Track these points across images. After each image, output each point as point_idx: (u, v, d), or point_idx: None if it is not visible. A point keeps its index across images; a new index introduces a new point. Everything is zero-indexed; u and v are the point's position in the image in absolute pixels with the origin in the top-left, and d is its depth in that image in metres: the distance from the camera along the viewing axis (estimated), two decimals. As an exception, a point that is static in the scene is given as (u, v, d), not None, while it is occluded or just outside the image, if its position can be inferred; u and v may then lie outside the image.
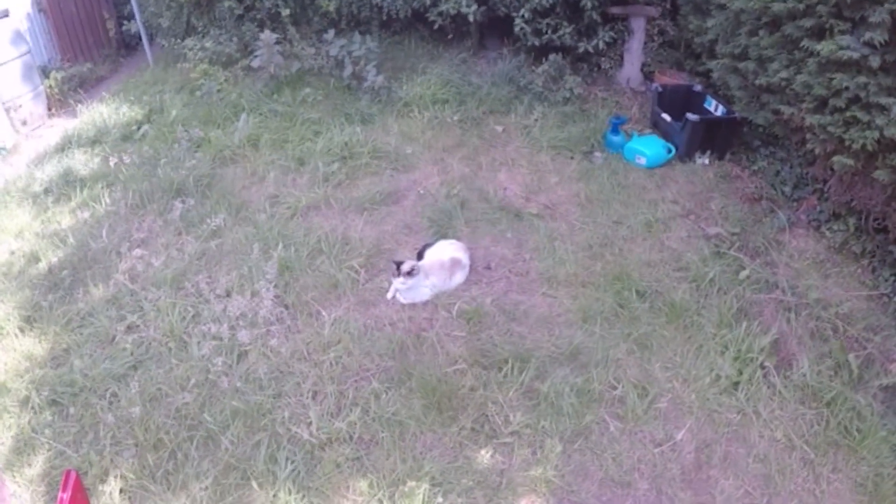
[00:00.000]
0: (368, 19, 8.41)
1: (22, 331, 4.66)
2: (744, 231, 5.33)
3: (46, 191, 6.26)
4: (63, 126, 7.73)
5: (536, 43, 7.40)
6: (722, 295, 4.71)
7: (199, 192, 5.96)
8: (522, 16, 7.26)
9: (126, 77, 9.12)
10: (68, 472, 3.08)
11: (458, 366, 4.21)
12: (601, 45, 7.36)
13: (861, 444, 3.75)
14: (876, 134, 4.29)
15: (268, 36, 7.33)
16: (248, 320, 4.56)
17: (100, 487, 3.59)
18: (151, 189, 5.96)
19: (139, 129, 7.22)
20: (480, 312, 4.60)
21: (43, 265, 5.24)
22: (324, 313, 4.64)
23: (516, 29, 7.39)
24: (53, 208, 6.00)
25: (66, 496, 3.00)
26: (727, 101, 6.34)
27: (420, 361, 4.25)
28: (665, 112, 6.66)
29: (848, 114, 4.50)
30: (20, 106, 7.65)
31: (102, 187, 6.13)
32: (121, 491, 3.59)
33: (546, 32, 7.31)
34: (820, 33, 4.65)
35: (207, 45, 7.98)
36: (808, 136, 5.01)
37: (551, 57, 7.30)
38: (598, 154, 6.54)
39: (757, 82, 5.46)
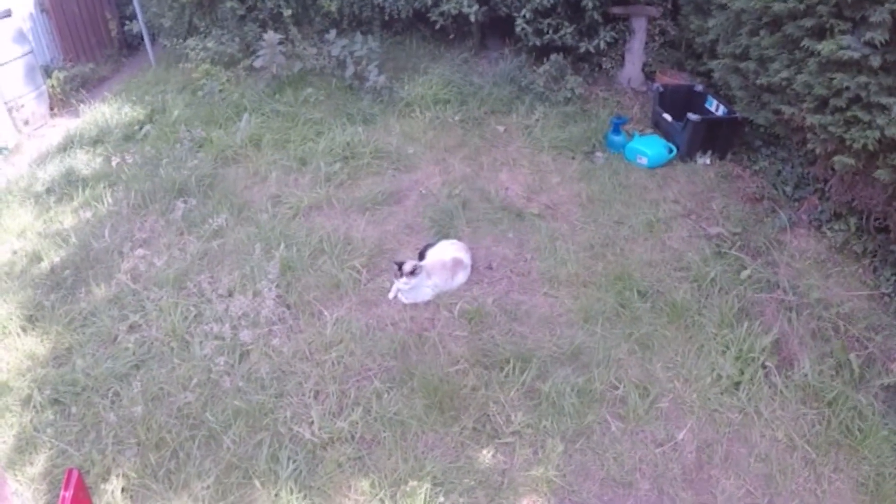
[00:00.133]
0: (370, 19, 8.41)
1: (24, 330, 4.67)
2: (745, 231, 5.33)
3: (49, 190, 6.26)
4: (65, 126, 7.74)
5: (538, 43, 7.40)
6: (723, 295, 4.71)
7: (202, 192, 5.97)
8: (524, 16, 7.26)
9: (128, 77, 9.12)
10: (70, 471, 3.08)
11: (460, 366, 4.22)
12: (602, 45, 7.37)
13: (862, 443, 3.76)
14: (877, 133, 4.29)
15: (271, 36, 7.33)
16: (250, 320, 4.57)
17: (102, 486, 3.60)
18: (153, 189, 5.97)
19: (141, 128, 7.22)
20: (482, 312, 4.61)
21: (45, 265, 5.24)
22: (326, 313, 4.64)
23: (517, 29, 7.40)
24: (56, 208, 6.01)
25: (69, 495, 3.00)
26: (728, 100, 6.35)
27: (422, 361, 4.25)
28: (666, 112, 6.67)
29: (849, 113, 4.50)
30: (22, 106, 7.66)
31: (104, 187, 6.14)
32: (123, 490, 3.59)
33: (547, 32, 7.32)
34: (821, 33, 4.66)
35: (209, 45, 7.98)
36: (809, 135, 5.02)
37: (552, 57, 7.30)
38: (599, 154, 6.55)
39: (758, 82, 5.46)
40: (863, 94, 4.34)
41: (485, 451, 3.75)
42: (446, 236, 5.30)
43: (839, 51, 4.38)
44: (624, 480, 3.63)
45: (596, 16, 7.19)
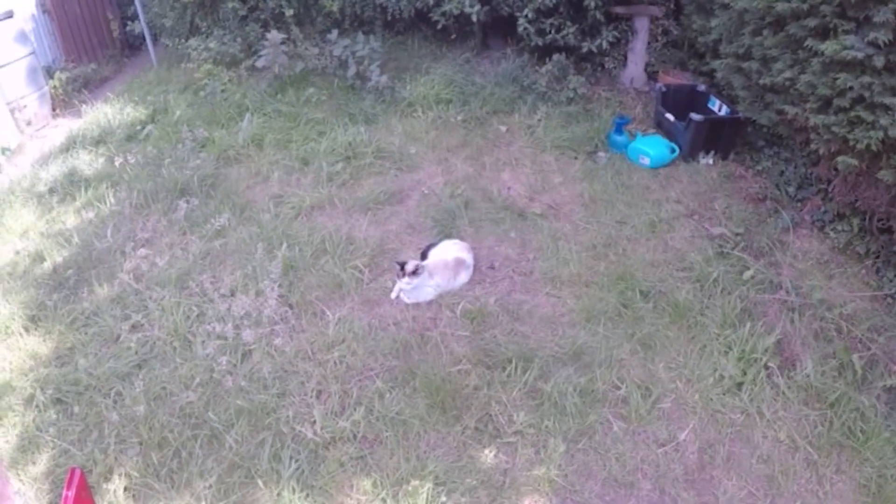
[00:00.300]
0: (372, 19, 8.41)
1: (27, 330, 4.68)
2: (748, 231, 5.32)
3: (51, 191, 6.27)
4: (67, 126, 7.75)
5: (540, 43, 7.40)
6: (726, 295, 4.71)
7: (204, 192, 5.97)
8: (526, 16, 7.25)
9: (130, 77, 9.14)
10: (73, 470, 3.09)
11: (462, 365, 4.21)
12: (605, 44, 7.36)
13: (865, 444, 3.75)
14: (880, 134, 4.29)
15: (274, 36, 7.33)
16: (253, 320, 4.57)
17: (104, 485, 3.61)
18: (156, 189, 5.97)
19: (143, 129, 7.23)
20: (484, 312, 4.61)
21: (48, 265, 5.25)
22: (328, 313, 4.64)
23: (520, 29, 7.39)
24: (58, 208, 6.02)
25: (71, 494, 3.01)
26: (731, 100, 6.34)
27: (424, 361, 4.26)
28: (669, 112, 6.66)
29: (852, 114, 4.49)
30: (25, 106, 7.67)
31: (107, 187, 6.14)
32: (125, 489, 3.60)
33: (549, 32, 7.31)
34: (824, 33, 4.65)
35: (211, 45, 7.98)
36: (813, 136, 5.01)
37: (555, 57, 7.30)
38: (601, 154, 6.54)
39: (761, 82, 5.45)
40: (866, 94, 4.34)
41: (487, 451, 3.75)
42: (448, 236, 5.29)
43: (843, 51, 4.38)
44: (626, 480, 3.63)
45: (598, 15, 7.18)
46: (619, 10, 7.38)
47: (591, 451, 3.77)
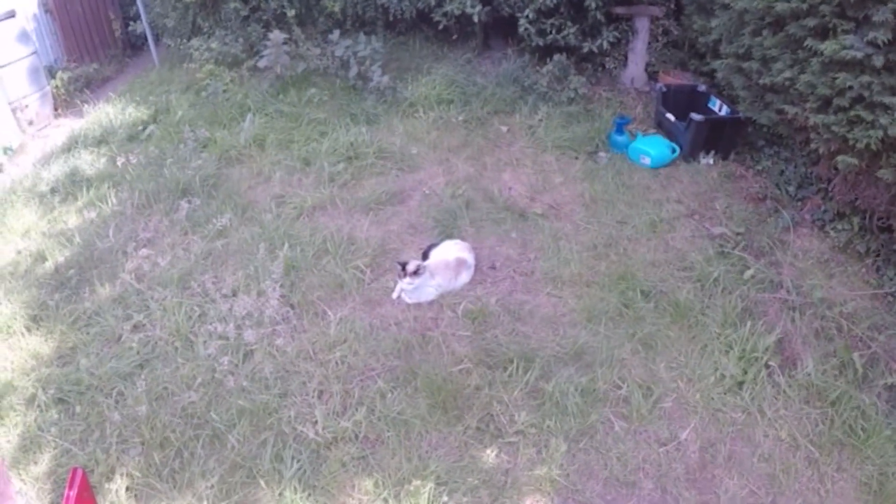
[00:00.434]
0: (373, 20, 8.41)
1: (28, 329, 4.69)
2: (748, 231, 5.33)
3: (53, 190, 6.29)
4: (69, 126, 7.76)
5: (541, 43, 7.40)
6: (726, 294, 4.71)
7: (205, 192, 5.98)
8: (527, 16, 7.26)
9: (132, 77, 9.15)
10: (75, 470, 3.10)
11: (464, 365, 4.22)
12: (605, 45, 7.36)
13: (866, 443, 3.76)
14: (880, 133, 4.29)
15: (277, 35, 7.34)
16: (254, 320, 4.58)
17: (106, 485, 3.61)
18: (157, 189, 5.98)
19: (145, 129, 7.24)
20: (485, 312, 4.61)
21: (49, 264, 5.26)
22: (329, 313, 4.65)
23: (521, 29, 7.39)
24: (60, 208, 6.03)
25: (73, 494, 3.02)
26: (731, 100, 6.34)
27: (425, 361, 4.26)
28: (669, 112, 6.66)
29: (852, 113, 4.49)
30: (27, 106, 7.69)
31: (109, 187, 6.15)
32: (127, 489, 3.61)
33: (550, 33, 7.31)
34: (823, 33, 4.65)
35: (213, 45, 7.99)
36: (812, 135, 5.01)
37: (556, 57, 7.30)
38: (602, 154, 6.55)
39: (761, 82, 5.46)
40: (866, 93, 4.34)
41: (488, 451, 3.76)
42: (450, 236, 5.30)
43: (842, 50, 4.38)
44: (627, 480, 3.63)
45: (599, 16, 7.18)
46: (619, 10, 7.38)
47: (592, 450, 3.77)
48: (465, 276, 4.89)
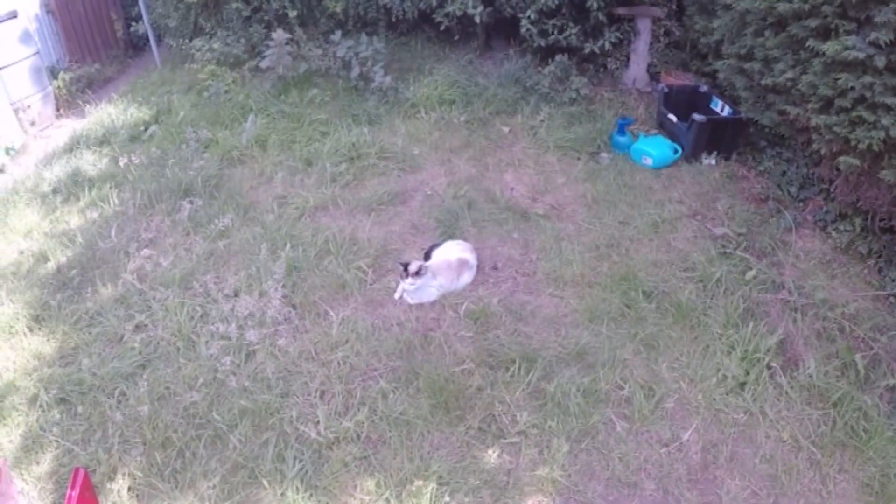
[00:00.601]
0: (375, 20, 8.42)
1: (31, 330, 4.69)
2: (750, 231, 5.32)
3: (55, 191, 6.29)
4: (71, 126, 7.77)
5: (542, 44, 7.40)
6: (728, 295, 4.71)
7: (207, 193, 5.99)
8: (528, 17, 7.26)
9: (134, 78, 9.16)
10: (77, 470, 3.10)
11: (466, 366, 4.22)
12: (607, 45, 7.37)
13: (868, 444, 3.76)
14: (882, 134, 4.29)
15: (280, 35, 7.34)
16: (256, 320, 4.58)
17: (108, 485, 3.62)
18: (160, 189, 5.99)
19: (147, 129, 7.25)
20: (487, 312, 4.61)
21: (52, 265, 5.27)
22: (331, 313, 4.65)
23: (522, 30, 7.40)
24: (62, 208, 6.03)
25: (75, 494, 3.02)
26: (733, 101, 6.34)
27: (427, 361, 4.26)
28: (671, 112, 6.66)
29: (854, 114, 4.50)
30: (29, 106, 7.70)
31: (111, 187, 6.16)
32: (129, 489, 3.61)
33: (552, 33, 7.32)
34: (825, 33, 4.66)
35: (215, 45, 8.01)
36: (814, 136, 5.01)
37: (557, 58, 7.30)
38: (604, 155, 6.55)
39: (763, 83, 5.46)
40: (868, 94, 4.34)
41: (490, 451, 3.76)
42: (452, 237, 5.31)
43: (844, 51, 4.38)
44: (629, 480, 3.63)
45: (601, 16, 7.19)
46: (621, 11, 7.39)
47: (594, 451, 3.77)
48: (466, 277, 4.89)
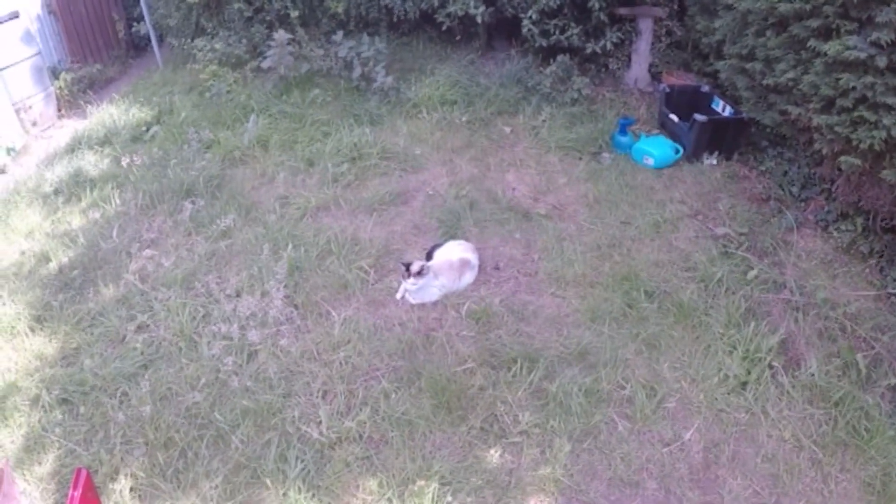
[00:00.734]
0: (377, 21, 8.42)
1: (32, 330, 4.70)
2: (752, 231, 5.32)
3: (57, 191, 6.30)
4: (73, 127, 7.78)
5: (544, 44, 7.40)
6: (730, 295, 4.71)
7: (209, 193, 5.99)
8: (530, 17, 7.26)
9: (135, 78, 9.16)
10: (79, 470, 3.11)
11: (468, 365, 4.22)
12: (609, 45, 7.37)
13: (869, 443, 3.76)
14: (883, 134, 4.29)
15: (281, 35, 7.35)
16: (258, 320, 4.59)
17: (110, 486, 3.62)
18: (161, 190, 5.99)
19: (149, 130, 7.26)
20: (489, 312, 4.62)
21: (53, 265, 5.27)
22: (333, 313, 4.66)
23: (524, 30, 7.40)
24: (64, 208, 6.04)
25: (77, 494, 3.03)
26: (735, 101, 6.34)
27: (429, 361, 4.27)
28: (673, 113, 6.66)
29: (855, 114, 4.49)
30: (30, 107, 7.71)
31: (112, 188, 6.17)
32: (131, 489, 3.61)
33: (554, 33, 7.32)
34: (827, 33, 4.65)
35: (217, 46, 8.02)
36: (816, 136, 5.01)
37: (559, 58, 7.31)
38: (606, 155, 6.55)
39: (764, 83, 5.46)
40: (869, 94, 4.34)
41: (492, 451, 3.76)
42: (453, 237, 5.31)
43: (845, 51, 4.38)
44: (631, 480, 3.64)
45: (602, 17, 7.19)
46: (622, 11, 7.39)
47: (596, 450, 3.77)
48: (468, 277, 4.89)
